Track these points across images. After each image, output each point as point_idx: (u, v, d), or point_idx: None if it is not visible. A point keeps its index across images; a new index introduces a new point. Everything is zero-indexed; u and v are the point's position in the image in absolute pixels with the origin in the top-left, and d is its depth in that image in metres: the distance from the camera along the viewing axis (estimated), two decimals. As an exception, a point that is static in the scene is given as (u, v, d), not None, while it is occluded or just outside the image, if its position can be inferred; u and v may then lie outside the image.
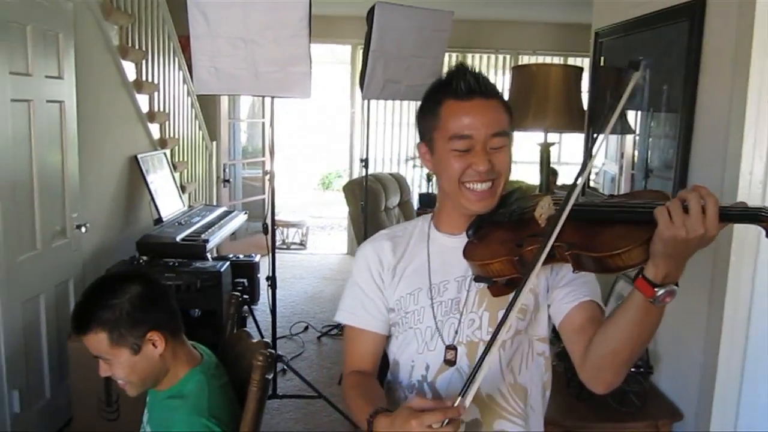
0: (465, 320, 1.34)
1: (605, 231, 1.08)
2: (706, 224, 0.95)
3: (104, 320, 1.52)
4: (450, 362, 1.33)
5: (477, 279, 1.27)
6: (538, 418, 1.40)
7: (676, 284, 1.03)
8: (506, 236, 1.22)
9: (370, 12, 3.70)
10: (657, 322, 1.10)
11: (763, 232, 0.96)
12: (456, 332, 1.34)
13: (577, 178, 1.13)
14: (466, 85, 1.28)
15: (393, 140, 7.27)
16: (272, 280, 3.66)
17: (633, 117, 2.79)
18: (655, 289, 1.02)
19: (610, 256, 1.04)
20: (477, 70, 1.32)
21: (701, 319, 2.15)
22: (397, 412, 1.09)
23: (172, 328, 1.62)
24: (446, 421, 1.01)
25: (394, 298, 1.40)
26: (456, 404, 1.02)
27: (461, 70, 1.30)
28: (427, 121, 1.35)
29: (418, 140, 1.41)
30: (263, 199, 6.85)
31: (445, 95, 1.30)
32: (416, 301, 1.38)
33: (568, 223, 1.11)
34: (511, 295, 1.27)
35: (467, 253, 1.27)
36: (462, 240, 1.33)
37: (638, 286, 1.04)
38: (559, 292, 1.30)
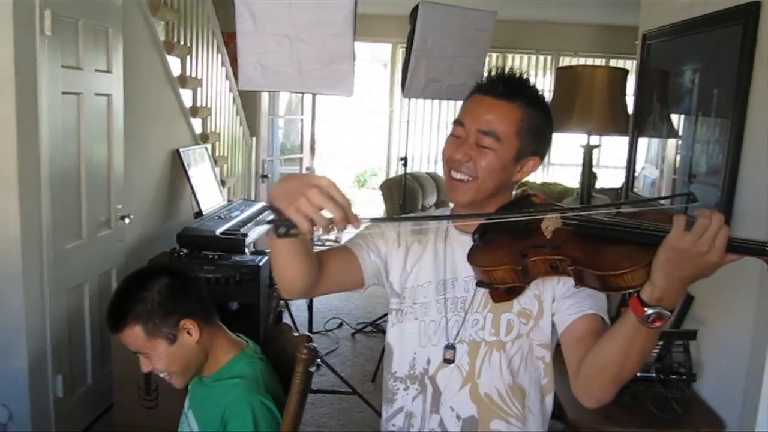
0: (469, 319, 1.36)
1: (610, 249, 1.09)
2: (712, 246, 0.96)
3: (137, 313, 1.56)
4: (448, 361, 1.37)
5: (479, 284, 1.29)
6: (537, 421, 1.40)
7: (671, 312, 1.04)
8: (511, 244, 1.22)
9: (414, 11, 3.71)
10: (647, 346, 1.10)
11: (766, 266, 0.99)
12: (458, 331, 1.37)
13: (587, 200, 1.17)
14: (488, 82, 1.34)
15: (431, 139, 7.27)
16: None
17: (677, 120, 2.74)
18: (645, 309, 1.03)
19: (612, 275, 1.06)
20: (516, 75, 1.35)
21: (747, 326, 2.11)
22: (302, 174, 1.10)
23: (205, 316, 1.65)
24: (339, 215, 1.05)
25: (406, 284, 1.43)
26: (359, 216, 1.06)
27: (498, 71, 1.36)
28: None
29: None
30: (300, 196, 6.89)
31: (476, 89, 1.37)
32: (425, 294, 1.41)
33: (573, 238, 1.14)
34: (516, 300, 1.33)
35: (471, 257, 1.27)
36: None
37: (630, 303, 1.06)
38: (564, 303, 1.31)
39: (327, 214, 1.05)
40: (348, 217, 1.06)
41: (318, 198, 1.04)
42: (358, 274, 1.43)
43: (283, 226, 1.08)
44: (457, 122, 1.36)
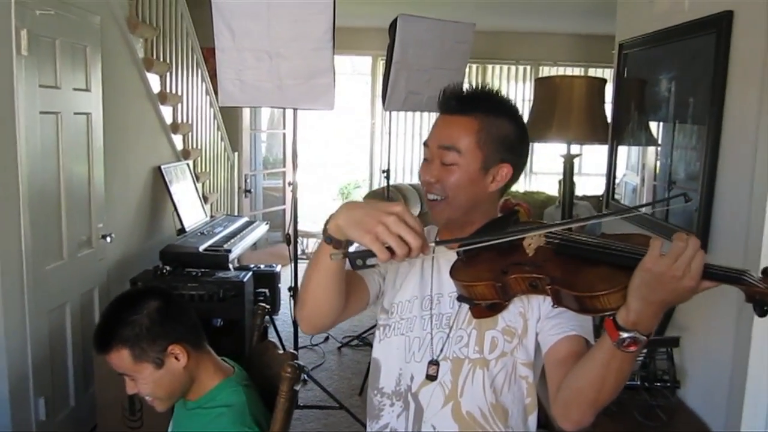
0: (453, 336, 1.35)
1: (589, 270, 1.08)
2: (687, 271, 0.96)
3: (125, 337, 1.54)
4: (431, 377, 1.35)
5: (459, 298, 1.27)
6: None
7: (647, 336, 1.03)
8: (493, 261, 1.21)
9: (393, 24, 3.72)
10: (624, 370, 1.09)
11: (744, 297, 0.98)
12: (442, 347, 1.35)
13: (568, 216, 1.15)
14: (442, 101, 1.35)
15: (414, 151, 7.29)
16: (295, 291, 3.67)
17: (656, 128, 2.78)
18: (620, 333, 1.02)
19: (588, 296, 1.05)
20: (473, 88, 1.36)
21: (729, 333, 2.12)
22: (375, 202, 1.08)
23: (194, 341, 1.63)
24: (417, 243, 1.02)
25: (394, 300, 1.42)
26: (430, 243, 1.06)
27: (446, 88, 1.37)
28: None
29: None
30: (283, 210, 6.88)
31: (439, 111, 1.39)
32: (411, 309, 1.40)
33: (555, 257, 1.13)
34: (501, 317, 1.31)
35: (454, 272, 1.26)
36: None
37: (605, 326, 1.04)
38: (548, 323, 1.30)
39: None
40: (424, 245, 1.03)
41: (397, 226, 1.02)
42: (366, 298, 1.41)
43: (360, 257, 1.04)
44: (425, 144, 1.38)
